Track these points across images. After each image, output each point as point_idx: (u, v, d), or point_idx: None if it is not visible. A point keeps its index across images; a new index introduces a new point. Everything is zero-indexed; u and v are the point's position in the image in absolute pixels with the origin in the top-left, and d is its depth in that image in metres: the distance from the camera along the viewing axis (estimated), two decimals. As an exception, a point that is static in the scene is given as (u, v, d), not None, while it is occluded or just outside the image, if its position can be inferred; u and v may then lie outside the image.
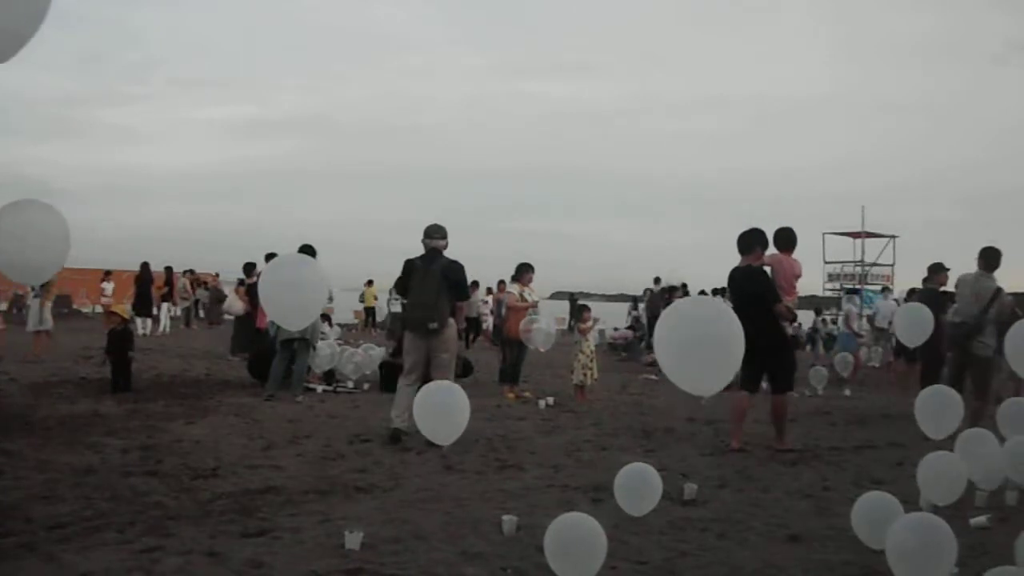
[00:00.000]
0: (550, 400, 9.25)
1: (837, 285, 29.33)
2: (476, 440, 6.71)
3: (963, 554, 3.85)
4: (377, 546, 3.86)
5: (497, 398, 9.46)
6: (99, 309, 22.69)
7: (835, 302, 26.43)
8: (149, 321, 18.10)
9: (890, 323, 14.59)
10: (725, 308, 5.02)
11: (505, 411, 8.60)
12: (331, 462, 5.82)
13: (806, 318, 18.49)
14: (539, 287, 11.12)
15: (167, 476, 5.18)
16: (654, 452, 6.47)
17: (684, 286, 18.18)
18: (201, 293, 23.64)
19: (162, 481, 5.05)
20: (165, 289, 20.34)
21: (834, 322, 19.19)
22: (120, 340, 9.05)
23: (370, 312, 24.61)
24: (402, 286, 7.26)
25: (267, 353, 10.18)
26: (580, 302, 15.55)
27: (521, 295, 10.15)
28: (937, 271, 9.80)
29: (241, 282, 14.53)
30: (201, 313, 23.59)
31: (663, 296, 14.48)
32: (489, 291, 19.53)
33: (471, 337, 17.91)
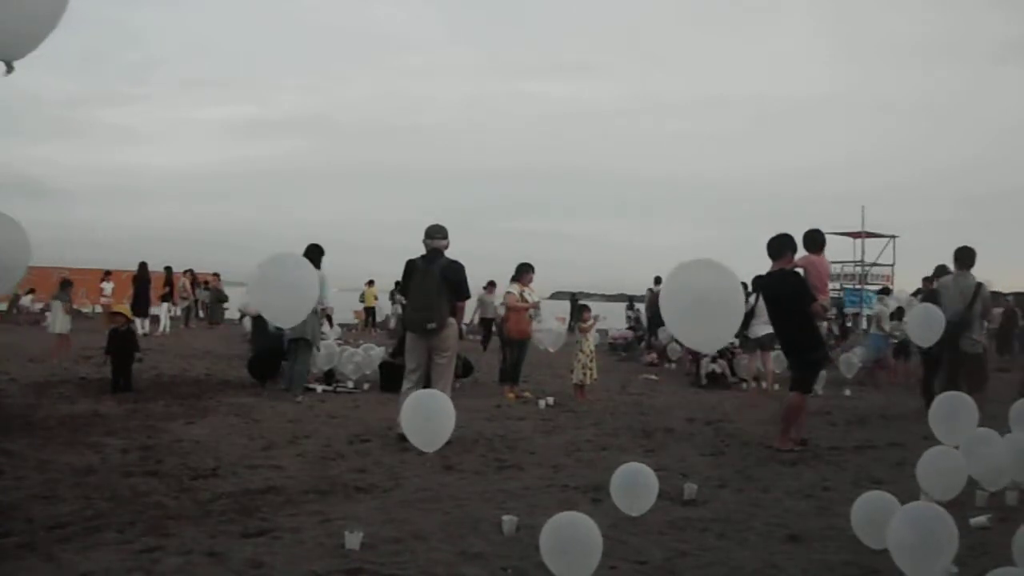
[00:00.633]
0: (550, 400, 9.26)
1: (837, 285, 29.31)
2: (476, 440, 6.72)
3: (963, 554, 3.85)
4: (377, 546, 3.86)
5: (497, 398, 9.47)
6: (99, 309, 22.69)
7: (835, 302, 26.40)
8: (147, 321, 18.11)
9: (888, 323, 14.61)
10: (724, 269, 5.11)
11: (505, 411, 8.60)
12: (331, 462, 5.82)
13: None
14: (539, 287, 11.13)
15: (167, 476, 5.18)
16: (654, 452, 6.47)
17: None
18: (201, 293, 23.64)
19: (162, 481, 5.05)
20: (165, 289, 20.34)
21: (843, 321, 19.05)
22: (122, 340, 9.06)
23: (370, 312, 24.61)
24: (403, 286, 7.29)
25: (267, 353, 10.20)
26: (580, 302, 15.56)
27: (521, 295, 10.16)
28: (942, 274, 9.88)
29: None
30: (201, 313, 23.58)
31: None
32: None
33: (487, 337, 17.41)
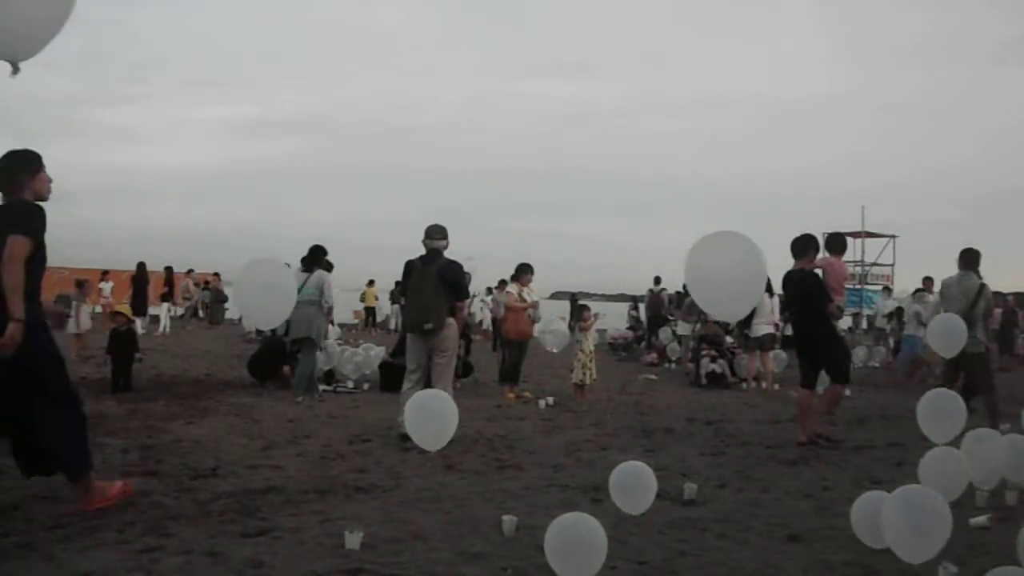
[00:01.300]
0: (550, 400, 9.26)
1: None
2: (476, 440, 6.72)
3: (963, 554, 3.86)
4: (377, 546, 3.86)
5: (497, 398, 9.47)
6: (98, 309, 22.69)
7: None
8: (146, 320, 18.13)
9: (888, 323, 14.62)
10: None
11: (505, 411, 8.61)
12: (331, 462, 5.82)
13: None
14: (539, 287, 11.15)
15: (167, 476, 5.18)
16: (654, 452, 6.47)
17: (685, 287, 18.19)
18: (201, 293, 23.64)
19: (162, 481, 5.04)
20: (165, 289, 20.34)
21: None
22: (122, 340, 9.06)
23: (370, 312, 24.62)
24: (402, 287, 7.30)
25: (267, 353, 10.21)
26: (580, 302, 15.57)
27: (520, 295, 10.16)
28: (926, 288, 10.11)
29: None
30: (201, 313, 23.59)
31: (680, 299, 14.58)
32: (489, 291, 19.48)
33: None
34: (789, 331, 14.10)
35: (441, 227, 7.09)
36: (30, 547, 3.68)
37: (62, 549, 3.67)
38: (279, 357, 9.98)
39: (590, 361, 9.70)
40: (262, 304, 6.08)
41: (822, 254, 7.44)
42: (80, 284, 13.73)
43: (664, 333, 16.49)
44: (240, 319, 18.25)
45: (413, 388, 6.85)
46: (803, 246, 7.23)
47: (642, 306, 20.18)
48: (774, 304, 11.38)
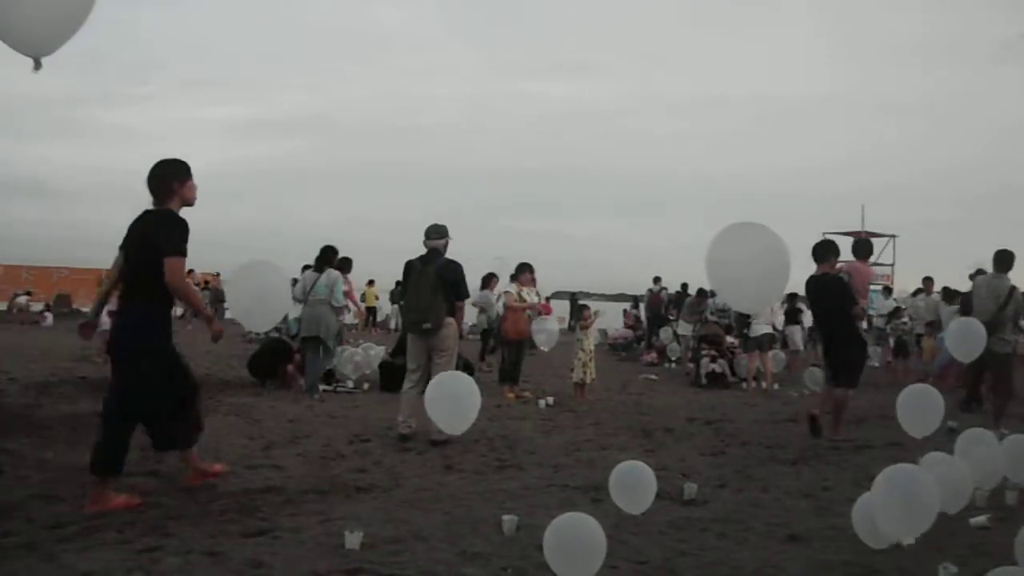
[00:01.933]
0: (550, 400, 9.26)
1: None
2: (476, 440, 6.72)
3: (963, 554, 3.86)
4: (377, 546, 3.86)
5: (497, 398, 9.46)
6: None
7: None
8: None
9: (887, 323, 14.61)
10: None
11: (505, 411, 8.61)
12: (331, 462, 5.82)
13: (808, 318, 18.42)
14: (539, 287, 11.15)
15: (167, 476, 5.18)
16: (654, 452, 6.47)
17: (684, 286, 18.22)
18: (201, 293, 23.64)
19: (162, 481, 5.04)
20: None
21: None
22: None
23: (371, 312, 24.62)
24: (402, 287, 7.31)
25: (267, 353, 10.20)
26: (580, 302, 15.57)
27: (519, 295, 10.17)
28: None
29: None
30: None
31: (697, 301, 14.58)
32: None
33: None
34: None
35: (441, 227, 7.09)
36: (30, 547, 3.68)
37: (62, 549, 3.67)
38: (279, 357, 9.98)
39: (590, 360, 9.70)
40: (255, 306, 6.12)
41: (847, 258, 7.77)
42: (100, 284, 13.82)
43: (664, 333, 16.50)
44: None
45: (413, 388, 6.87)
46: (824, 251, 7.47)
47: (642, 305, 20.19)
48: (773, 305, 11.44)
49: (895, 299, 16.33)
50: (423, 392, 6.95)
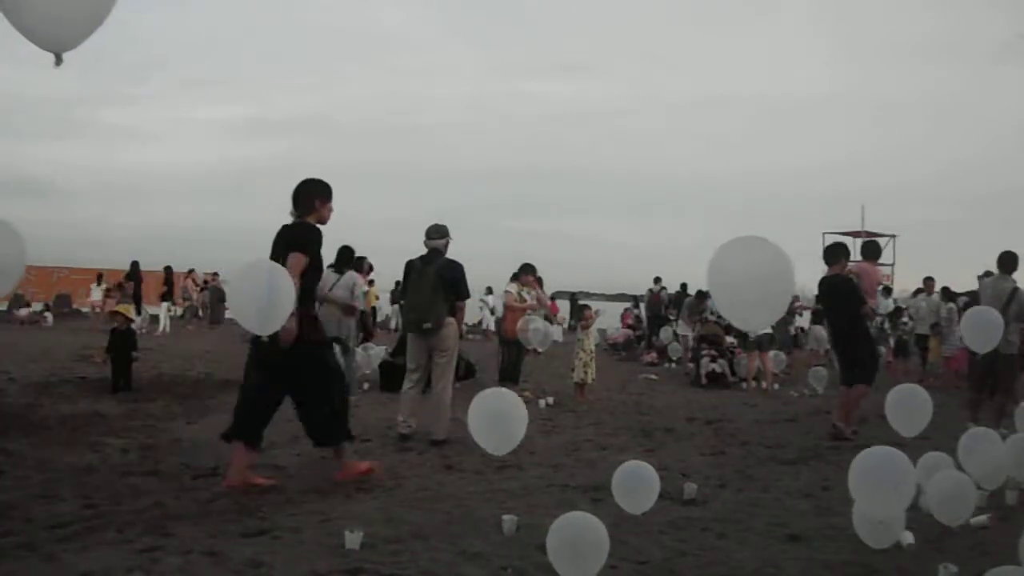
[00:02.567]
0: (550, 400, 9.26)
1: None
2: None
3: (963, 554, 3.86)
4: (377, 546, 3.86)
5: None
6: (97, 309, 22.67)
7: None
8: (140, 319, 18.14)
9: (885, 323, 14.61)
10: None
11: (505, 411, 8.59)
12: (331, 462, 5.81)
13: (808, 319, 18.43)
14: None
15: (167, 476, 5.18)
16: (654, 452, 6.47)
17: (684, 286, 18.22)
18: (202, 295, 23.62)
19: (162, 481, 5.05)
20: (164, 289, 20.33)
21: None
22: (122, 340, 9.06)
23: (371, 312, 24.60)
24: (403, 287, 7.30)
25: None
26: (580, 302, 15.56)
27: (519, 294, 10.17)
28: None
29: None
30: (200, 313, 23.57)
31: (697, 302, 14.55)
32: (489, 290, 19.48)
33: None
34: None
35: (441, 227, 7.09)
36: (30, 547, 3.68)
37: (62, 549, 3.67)
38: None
39: (591, 360, 9.70)
40: (257, 309, 6.05)
41: (856, 259, 7.98)
42: (120, 285, 14.05)
43: (664, 333, 16.50)
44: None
45: (413, 388, 6.87)
46: (835, 253, 7.81)
47: (643, 305, 20.19)
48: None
49: (895, 299, 16.33)
50: (423, 392, 6.97)
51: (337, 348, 9.26)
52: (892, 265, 28.98)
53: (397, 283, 18.42)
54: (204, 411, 7.79)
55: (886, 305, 15.36)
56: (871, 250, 8.98)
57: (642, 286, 20.44)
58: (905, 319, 13.86)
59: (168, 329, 19.09)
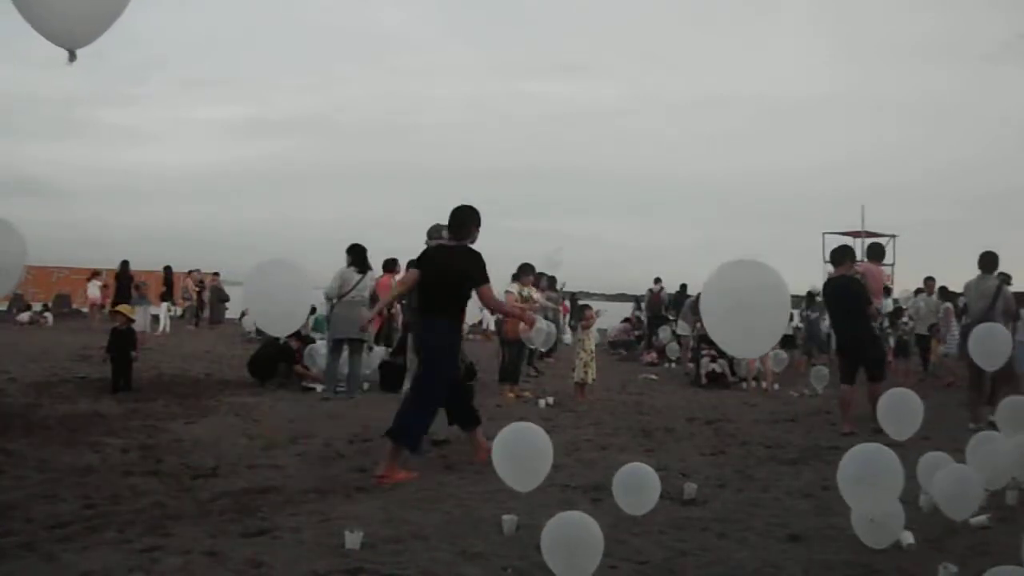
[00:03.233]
0: (550, 400, 9.26)
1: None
2: (476, 440, 6.71)
3: (963, 554, 3.86)
4: (377, 546, 3.86)
5: (497, 398, 9.46)
6: (85, 309, 22.64)
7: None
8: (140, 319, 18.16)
9: (885, 323, 14.61)
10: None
11: (505, 411, 8.60)
12: (331, 462, 5.82)
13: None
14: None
15: (167, 476, 5.18)
16: (654, 452, 6.46)
17: (684, 287, 18.22)
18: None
19: (162, 481, 5.05)
20: (164, 289, 20.31)
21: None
22: (122, 340, 9.06)
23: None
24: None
25: (267, 353, 10.20)
26: (581, 302, 15.56)
27: (520, 294, 10.17)
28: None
29: None
30: (200, 313, 23.55)
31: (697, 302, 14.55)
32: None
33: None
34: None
35: (443, 226, 7.07)
36: (30, 547, 3.69)
37: (62, 549, 3.68)
38: (279, 357, 9.98)
39: (591, 360, 9.70)
40: (277, 309, 6.04)
41: (861, 260, 8.24)
42: (137, 287, 14.14)
43: (664, 333, 16.49)
44: (241, 318, 18.24)
45: (413, 388, 6.86)
46: (841, 255, 8.09)
47: (643, 305, 20.18)
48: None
49: (895, 299, 16.31)
50: None
51: (345, 348, 9.33)
52: (892, 265, 28.92)
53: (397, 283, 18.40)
54: (204, 411, 7.79)
55: (886, 305, 15.35)
56: (876, 251, 9.29)
57: (642, 286, 20.45)
58: (905, 319, 13.86)
59: (168, 329, 19.08)
